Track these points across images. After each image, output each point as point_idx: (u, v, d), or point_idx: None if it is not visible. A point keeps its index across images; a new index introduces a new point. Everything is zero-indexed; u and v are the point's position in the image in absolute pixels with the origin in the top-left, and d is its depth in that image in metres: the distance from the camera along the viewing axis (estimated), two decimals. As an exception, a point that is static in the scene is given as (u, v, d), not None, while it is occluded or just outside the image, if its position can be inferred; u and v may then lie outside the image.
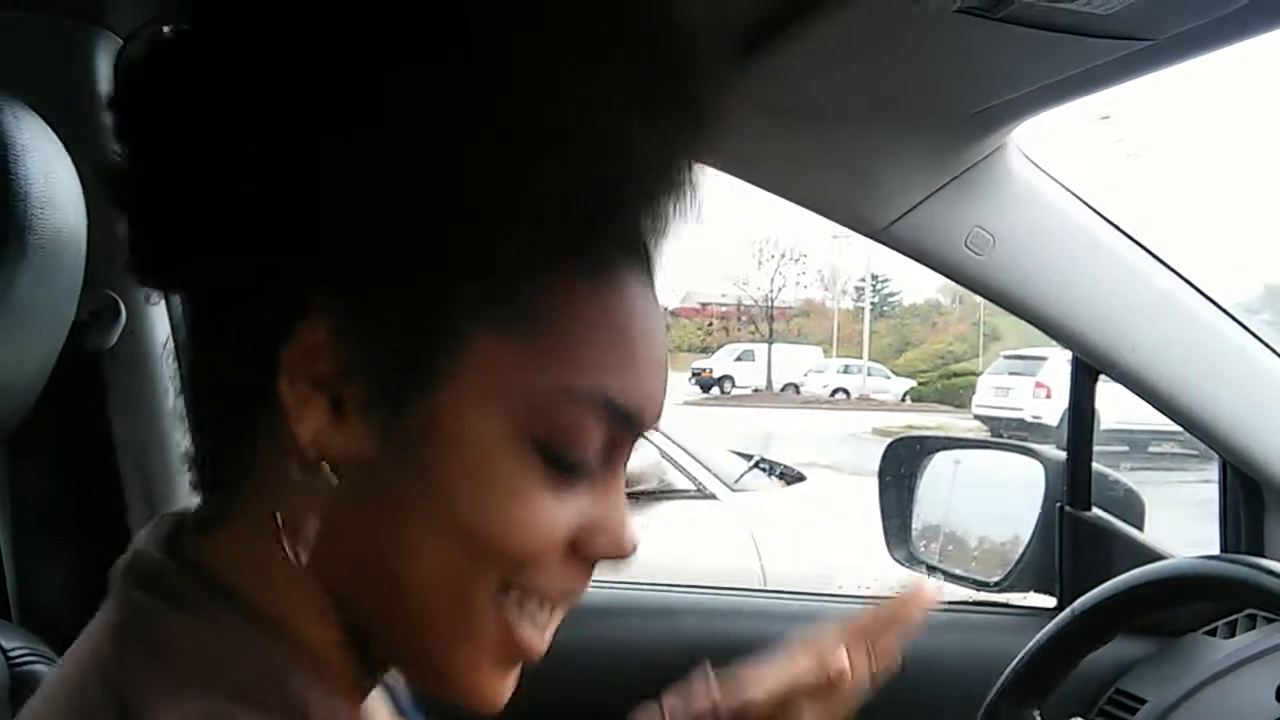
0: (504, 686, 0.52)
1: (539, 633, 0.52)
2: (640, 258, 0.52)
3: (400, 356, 0.47)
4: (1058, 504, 1.45)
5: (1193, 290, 1.24)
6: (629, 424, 0.50)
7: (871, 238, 1.21)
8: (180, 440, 1.26)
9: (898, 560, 1.69)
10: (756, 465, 4.67)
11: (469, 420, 0.47)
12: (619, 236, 0.49)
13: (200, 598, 0.49)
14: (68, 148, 0.75)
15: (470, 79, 0.44)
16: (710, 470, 4.20)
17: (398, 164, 0.45)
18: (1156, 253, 1.23)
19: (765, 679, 0.83)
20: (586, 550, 0.51)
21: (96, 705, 0.45)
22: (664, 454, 4.01)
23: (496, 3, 0.46)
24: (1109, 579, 1.04)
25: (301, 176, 0.45)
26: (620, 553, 0.52)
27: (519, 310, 0.47)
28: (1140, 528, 1.45)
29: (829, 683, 0.81)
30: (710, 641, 1.48)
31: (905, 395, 27.14)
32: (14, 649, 0.99)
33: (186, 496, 1.33)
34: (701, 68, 0.48)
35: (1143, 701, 1.23)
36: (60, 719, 0.47)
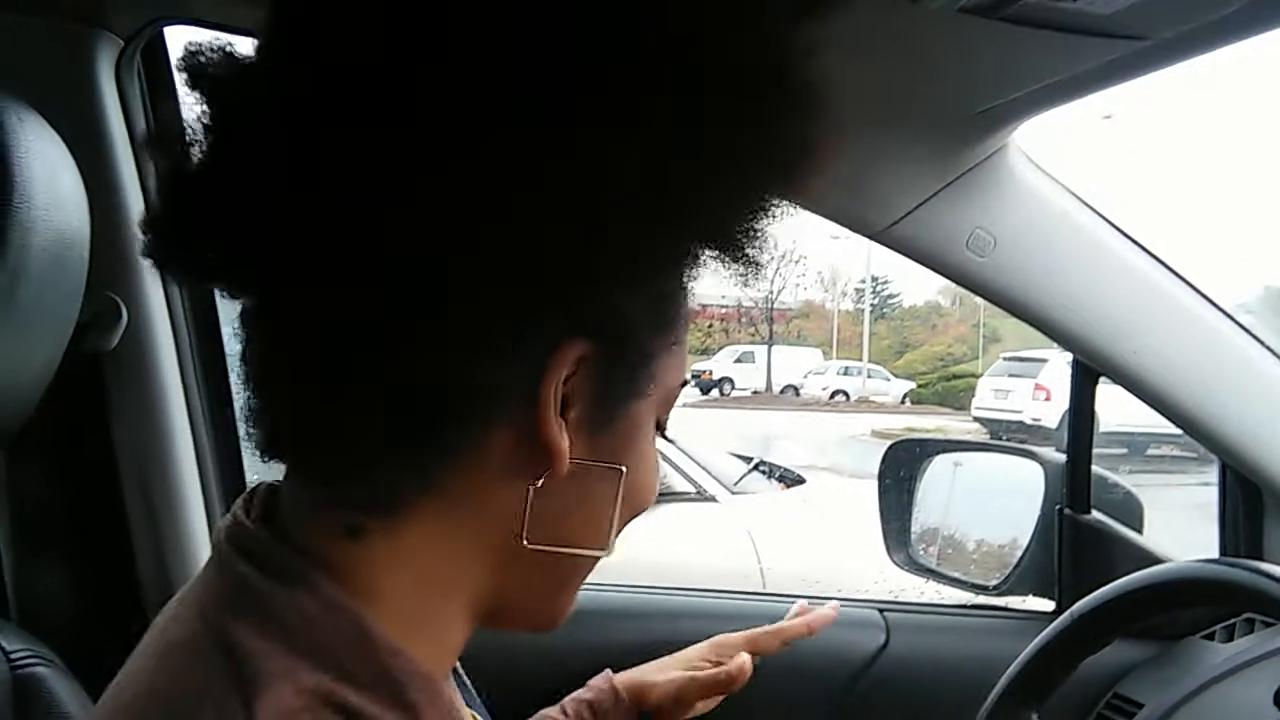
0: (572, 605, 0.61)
1: None
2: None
3: (625, 381, 0.53)
4: (1057, 507, 1.45)
5: (1193, 292, 1.24)
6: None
7: (872, 239, 1.21)
8: (183, 442, 1.27)
9: (897, 563, 1.69)
10: (756, 468, 4.67)
11: (646, 422, 0.57)
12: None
13: (313, 584, 0.50)
14: (70, 150, 0.75)
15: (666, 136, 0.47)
16: (709, 473, 4.19)
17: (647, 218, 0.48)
18: (1157, 254, 1.23)
19: (668, 667, 1.01)
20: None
21: (216, 672, 0.46)
22: (663, 456, 4.01)
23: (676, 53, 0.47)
24: (1108, 582, 1.04)
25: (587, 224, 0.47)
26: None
27: (678, 325, 0.56)
28: (1139, 531, 1.45)
29: (726, 679, 1.01)
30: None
31: (905, 397, 27.12)
32: (15, 650, 0.99)
33: (186, 497, 1.33)
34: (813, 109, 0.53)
35: (1141, 705, 1.23)
36: (179, 681, 0.48)
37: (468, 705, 0.66)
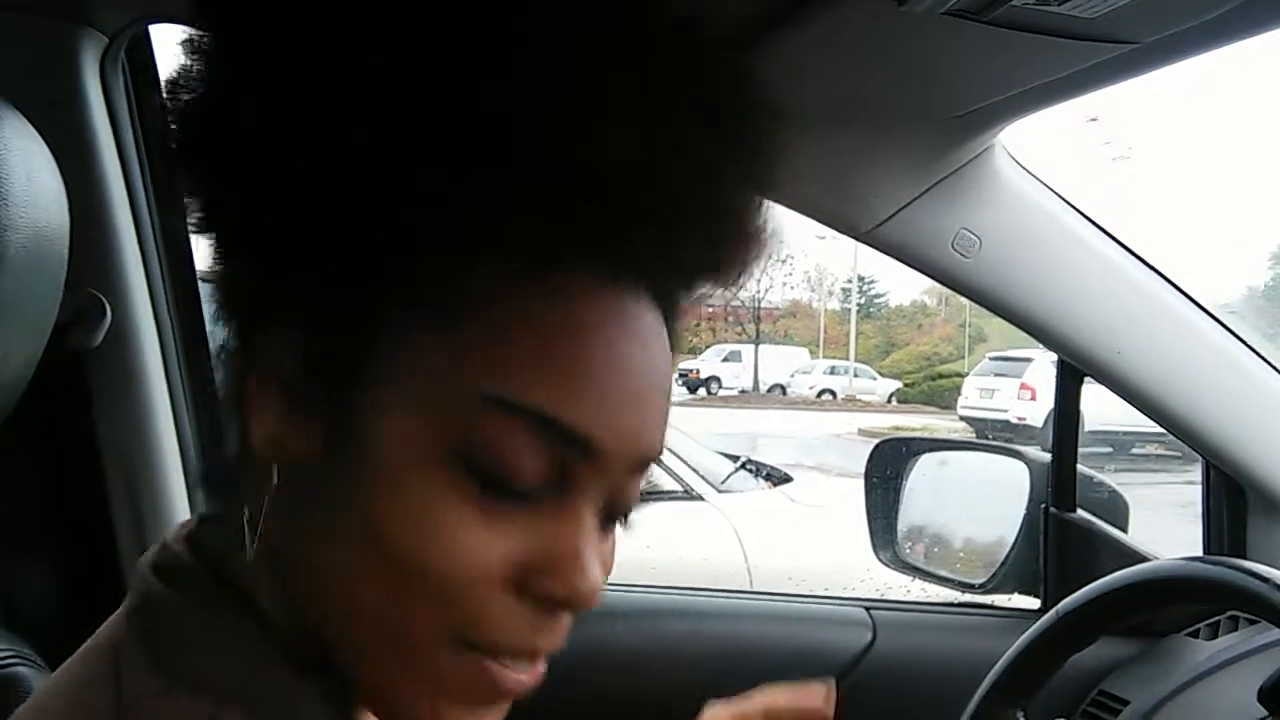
0: None
1: (517, 676, 0.48)
2: (619, 269, 0.47)
3: (335, 356, 0.46)
4: (1042, 505, 1.46)
5: (1177, 293, 1.25)
6: (581, 450, 0.46)
7: (858, 239, 1.22)
8: (168, 440, 1.26)
9: (883, 562, 1.69)
10: (743, 466, 4.67)
11: (389, 422, 0.45)
12: (571, 237, 0.45)
13: (208, 593, 0.49)
14: (51, 146, 0.74)
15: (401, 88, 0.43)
16: (697, 471, 4.19)
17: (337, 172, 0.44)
18: (1141, 255, 1.24)
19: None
20: (533, 590, 0.46)
21: (97, 684, 0.46)
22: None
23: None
24: (1093, 580, 1.05)
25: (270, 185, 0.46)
26: (571, 596, 0.46)
27: (444, 305, 0.45)
28: (1124, 529, 1.46)
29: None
30: (697, 643, 1.48)
31: (891, 396, 27.19)
32: (-3, 650, 0.99)
33: (170, 495, 1.33)
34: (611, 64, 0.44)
35: (1126, 703, 1.24)
36: (63, 691, 0.48)
37: None
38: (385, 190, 0.43)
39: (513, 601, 0.46)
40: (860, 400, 26.49)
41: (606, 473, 0.47)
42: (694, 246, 0.47)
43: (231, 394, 0.49)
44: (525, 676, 0.48)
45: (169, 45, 1.30)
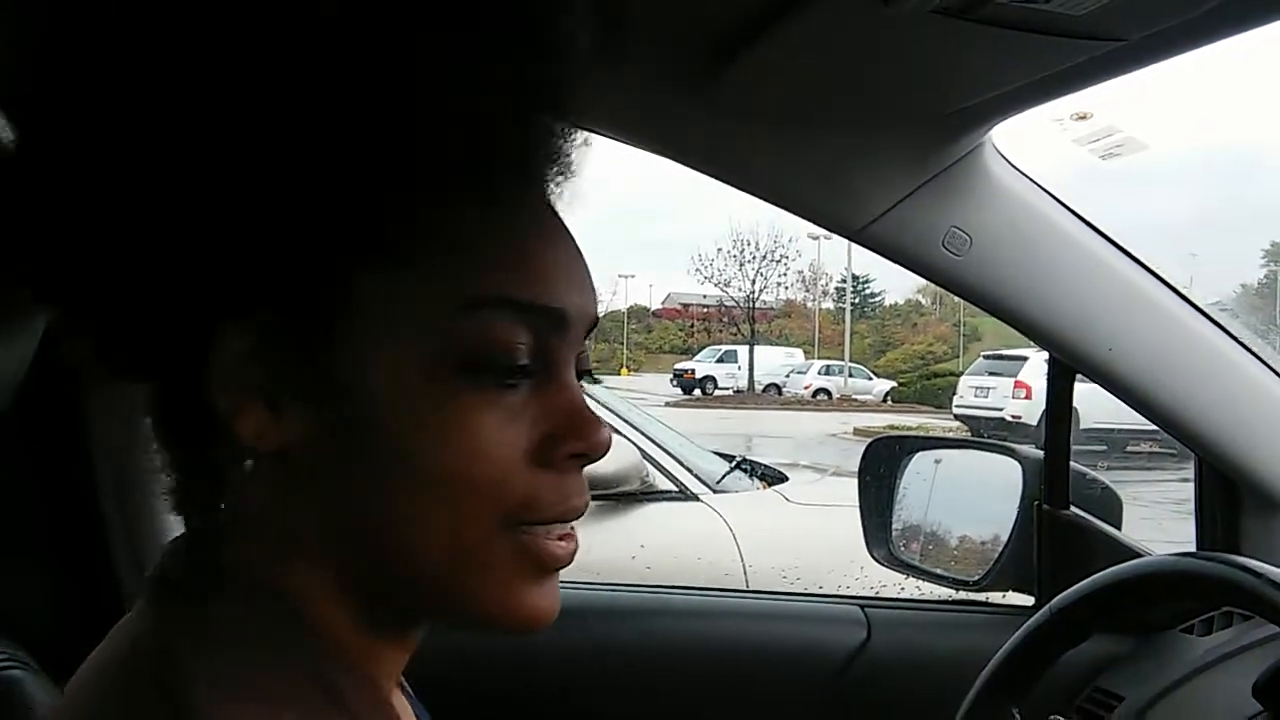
0: (544, 598, 0.52)
1: (561, 544, 0.52)
2: (520, 174, 0.51)
3: (309, 336, 0.48)
4: (1036, 503, 1.46)
5: (1169, 290, 1.25)
6: (551, 321, 0.51)
7: (849, 238, 1.22)
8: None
9: (878, 560, 1.69)
10: (738, 466, 4.67)
11: (393, 370, 0.48)
12: (485, 159, 0.48)
13: (241, 599, 0.50)
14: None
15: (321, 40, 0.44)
16: (692, 471, 4.19)
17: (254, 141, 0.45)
18: (1132, 252, 1.24)
19: None
20: (558, 456, 0.51)
21: (148, 703, 0.46)
22: (645, 455, 4.01)
23: None
24: (1087, 577, 1.05)
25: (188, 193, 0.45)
26: (591, 448, 0.52)
27: (394, 245, 0.47)
28: (1118, 526, 1.46)
29: None
30: (693, 642, 1.48)
31: (886, 396, 27.24)
32: (-9, 655, 0.98)
33: (163, 501, 1.32)
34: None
35: (1121, 698, 1.24)
36: (111, 713, 0.47)
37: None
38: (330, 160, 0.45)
39: (543, 473, 0.51)
40: (855, 399, 26.54)
41: (572, 341, 0.53)
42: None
43: (193, 416, 0.50)
44: (569, 542, 0.53)
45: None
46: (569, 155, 0.52)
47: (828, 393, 27.37)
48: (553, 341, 0.51)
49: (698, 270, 32.05)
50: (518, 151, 0.49)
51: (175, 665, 0.47)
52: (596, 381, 0.63)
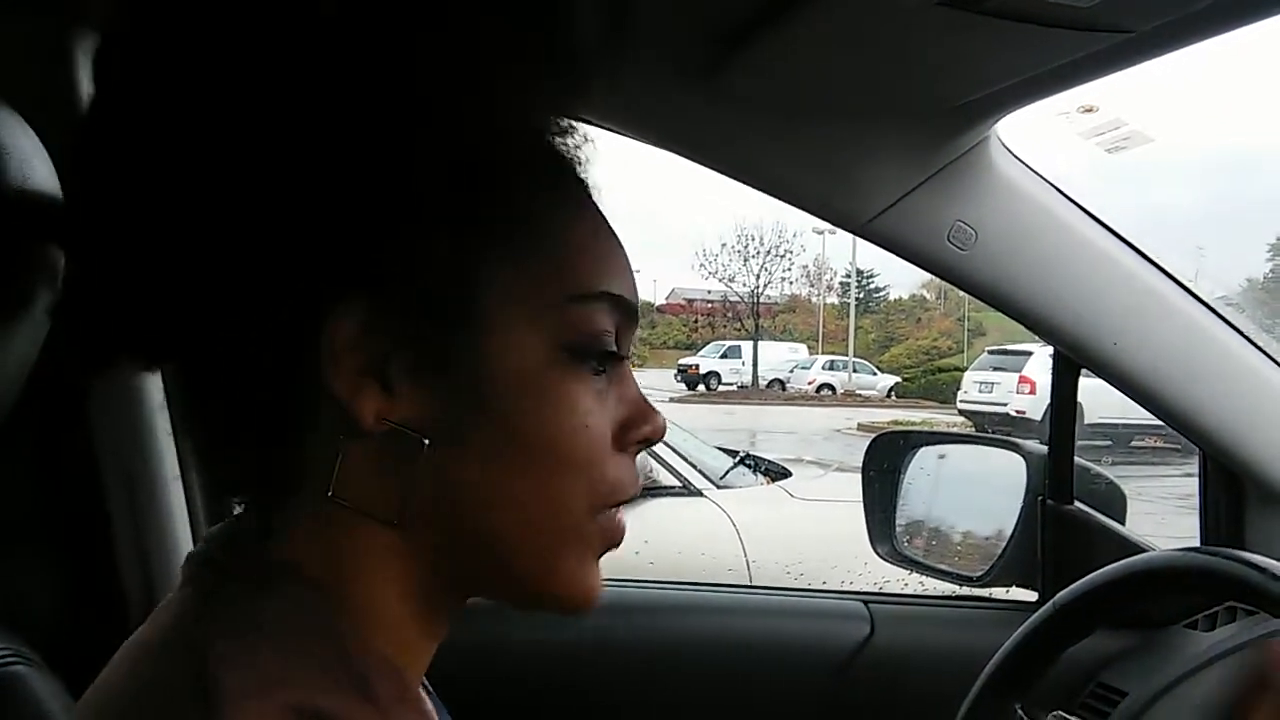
0: (598, 578, 0.57)
1: (620, 517, 0.57)
2: (579, 178, 0.57)
3: (432, 319, 0.50)
4: (1040, 498, 1.46)
5: (1173, 284, 1.24)
6: (628, 313, 0.56)
7: (854, 233, 1.21)
8: (165, 438, 1.26)
9: (881, 555, 1.69)
10: (742, 461, 4.68)
11: (512, 352, 0.52)
12: (569, 168, 0.56)
13: (281, 587, 0.51)
14: (50, 146, 0.74)
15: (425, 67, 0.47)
16: (696, 467, 4.20)
17: (381, 150, 0.47)
18: (1137, 246, 1.24)
19: None
20: (630, 441, 0.56)
21: (184, 684, 0.46)
22: (650, 451, 4.02)
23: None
24: (1091, 572, 1.05)
25: (296, 184, 0.47)
26: (656, 432, 0.57)
27: (522, 241, 0.52)
28: (1122, 521, 1.46)
29: None
30: (696, 638, 1.48)
31: (890, 391, 27.23)
32: (-6, 649, 0.98)
33: (167, 495, 1.33)
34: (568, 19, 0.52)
35: (1124, 694, 1.24)
36: (149, 694, 0.48)
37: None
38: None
39: (621, 458, 0.56)
40: (859, 395, 26.53)
41: (630, 331, 0.58)
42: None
43: (295, 402, 0.50)
44: (624, 526, 0.57)
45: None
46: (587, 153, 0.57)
47: (832, 388, 27.36)
48: (625, 333, 0.57)
49: (702, 265, 32.03)
50: (580, 153, 0.55)
51: (211, 651, 0.47)
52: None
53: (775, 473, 4.72)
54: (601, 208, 0.58)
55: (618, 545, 0.57)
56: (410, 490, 0.51)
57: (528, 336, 0.52)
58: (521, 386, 0.52)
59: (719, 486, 4.20)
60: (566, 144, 0.55)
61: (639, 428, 0.57)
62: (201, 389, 0.53)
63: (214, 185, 0.47)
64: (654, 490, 4.02)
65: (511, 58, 0.49)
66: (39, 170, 0.72)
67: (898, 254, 1.21)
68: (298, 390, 0.50)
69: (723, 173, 1.20)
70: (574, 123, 0.55)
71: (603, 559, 0.58)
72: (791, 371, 28.98)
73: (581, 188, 0.57)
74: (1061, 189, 1.22)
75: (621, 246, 0.58)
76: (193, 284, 0.48)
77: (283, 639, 0.48)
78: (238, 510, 0.57)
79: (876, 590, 2.01)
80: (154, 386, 1.26)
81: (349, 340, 0.49)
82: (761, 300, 32.15)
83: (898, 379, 28.30)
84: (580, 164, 0.57)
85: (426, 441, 0.51)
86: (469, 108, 0.48)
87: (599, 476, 0.54)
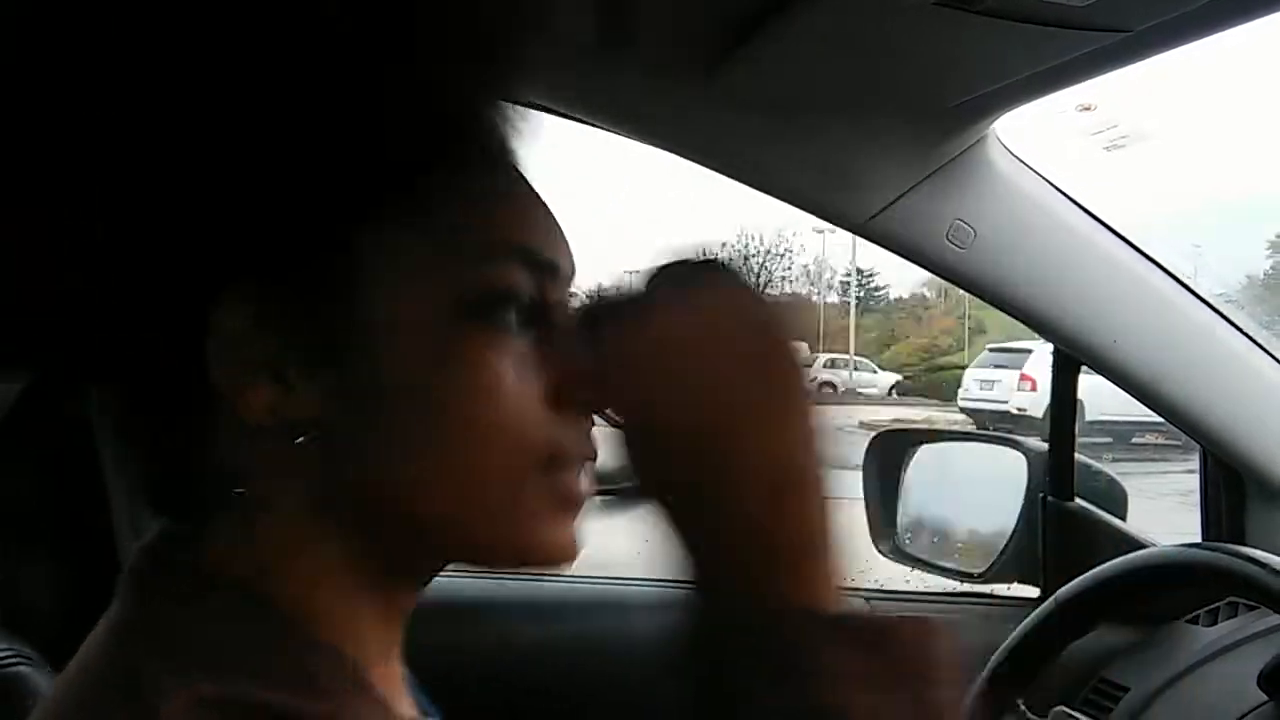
0: (571, 534, 0.54)
1: (580, 482, 0.54)
2: (501, 144, 0.53)
3: (318, 305, 0.48)
4: (1041, 495, 1.46)
5: (1172, 281, 1.25)
6: (549, 271, 0.53)
7: (853, 232, 1.22)
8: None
9: (882, 553, 1.69)
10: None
11: (407, 324, 0.49)
12: (472, 133, 0.51)
13: (206, 594, 0.49)
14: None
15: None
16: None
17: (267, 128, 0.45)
18: (1136, 244, 1.24)
19: None
20: (567, 400, 0.52)
21: (112, 693, 0.46)
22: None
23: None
24: (1092, 568, 1.05)
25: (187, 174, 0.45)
26: (595, 394, 0.53)
27: (411, 212, 0.49)
28: (1122, 517, 1.46)
29: None
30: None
31: (892, 389, 27.19)
32: (-3, 650, 0.99)
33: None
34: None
35: (1125, 690, 1.24)
36: (78, 709, 0.48)
37: (424, 712, 0.63)
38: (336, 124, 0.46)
39: (560, 418, 0.52)
40: (861, 393, 26.49)
41: (562, 294, 0.54)
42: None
43: (190, 399, 0.49)
44: (587, 483, 0.54)
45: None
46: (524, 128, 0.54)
47: (833, 386, 27.32)
48: (549, 292, 0.53)
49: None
50: (492, 119, 0.51)
51: (141, 658, 0.47)
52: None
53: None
54: (516, 167, 0.55)
55: (577, 505, 0.54)
56: (322, 482, 0.49)
57: (424, 304, 0.49)
58: (421, 357, 0.49)
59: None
60: (474, 110, 0.51)
61: (575, 389, 0.52)
62: (111, 396, 0.52)
63: (93, 166, 0.45)
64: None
65: (423, 34, 0.47)
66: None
67: (897, 253, 1.22)
68: (192, 389, 0.48)
69: (722, 173, 1.20)
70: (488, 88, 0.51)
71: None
72: (792, 370, 28.87)
73: (484, 146, 0.52)
74: (1060, 187, 1.22)
75: (540, 202, 0.55)
76: (80, 272, 0.46)
77: (222, 642, 0.47)
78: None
79: (878, 587, 2.01)
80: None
81: (237, 333, 0.47)
82: (762, 299, 32.01)
83: (899, 377, 28.26)
84: (487, 122, 0.52)
85: (316, 434, 0.48)
86: (365, 81, 0.46)
87: (532, 438, 0.50)
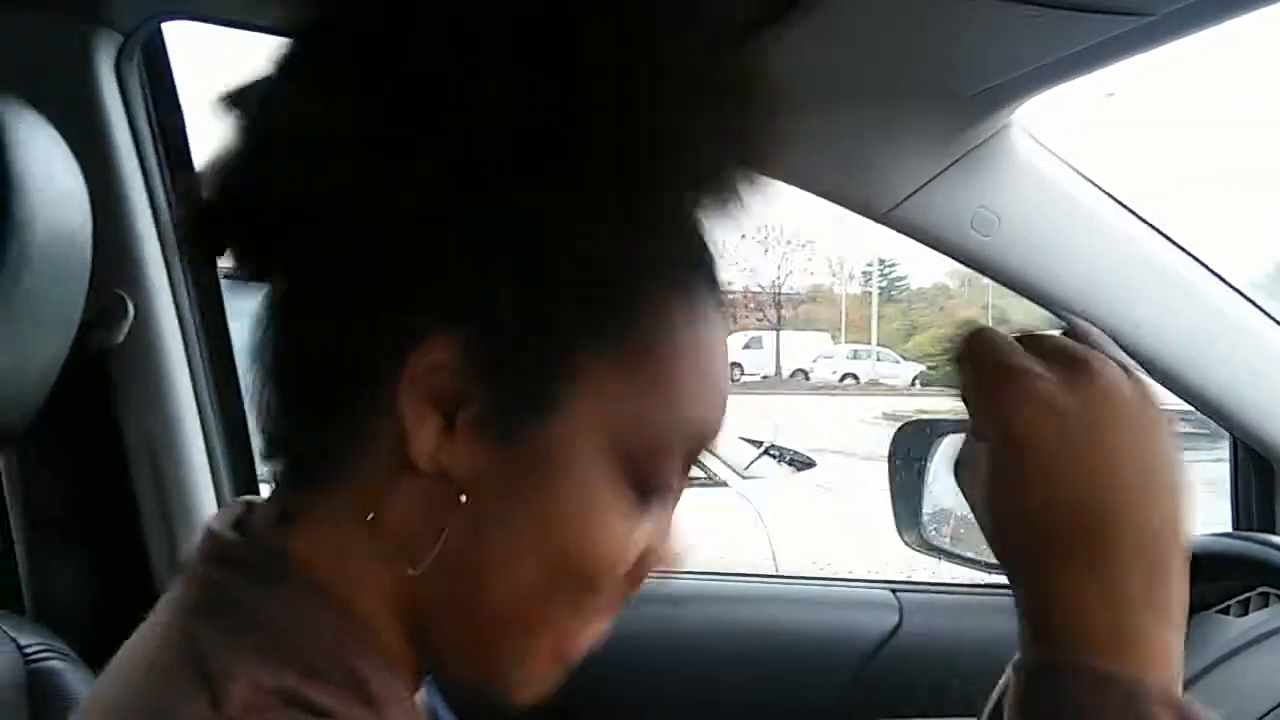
0: (548, 684, 0.54)
1: (587, 639, 0.54)
2: (715, 286, 0.54)
3: (517, 384, 0.49)
4: (1067, 484, 1.45)
5: (1200, 267, 1.23)
6: (706, 440, 0.53)
7: (876, 221, 1.21)
8: (193, 436, 1.28)
9: (908, 544, 1.68)
10: (766, 452, 4.67)
11: (577, 447, 0.49)
12: (700, 265, 0.53)
13: (279, 578, 0.50)
14: (73, 147, 0.75)
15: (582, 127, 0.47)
16: (720, 457, 4.20)
17: (533, 211, 0.47)
18: (1162, 229, 1.23)
19: None
20: (644, 566, 0.53)
21: (179, 674, 0.46)
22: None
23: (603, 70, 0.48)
24: (1119, 558, 1.04)
25: (454, 216, 0.48)
26: (664, 569, 0.54)
27: (626, 340, 0.50)
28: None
29: None
30: (722, 628, 1.48)
31: (915, 380, 27.07)
32: (29, 645, 1.00)
33: (197, 490, 1.34)
34: (754, 93, 0.52)
35: (1155, 680, 1.23)
36: (145, 687, 0.48)
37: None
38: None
39: (619, 584, 0.53)
40: (884, 384, 26.39)
41: (700, 453, 0.54)
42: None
43: (368, 399, 0.50)
44: (587, 646, 0.54)
45: (181, 42, 1.31)
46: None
47: (855, 377, 27.23)
48: (695, 457, 0.54)
49: (721, 258, 31.80)
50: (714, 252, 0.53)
51: (208, 638, 0.47)
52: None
53: (800, 462, 4.71)
54: (722, 317, 0.55)
55: (568, 663, 0.54)
56: (436, 537, 0.49)
57: (598, 440, 0.50)
58: (567, 486, 0.50)
59: (744, 477, 4.20)
60: (714, 227, 0.52)
61: (653, 558, 0.54)
62: (300, 335, 0.52)
63: (381, 191, 0.47)
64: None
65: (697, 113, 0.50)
66: (63, 169, 0.73)
67: (920, 241, 1.21)
68: (374, 387, 0.49)
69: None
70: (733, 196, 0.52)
71: None
72: (815, 361, 28.87)
73: (709, 293, 0.53)
74: (1084, 173, 1.21)
75: (726, 368, 0.54)
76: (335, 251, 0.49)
77: (275, 632, 0.48)
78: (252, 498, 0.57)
79: (905, 579, 2.01)
80: (183, 386, 1.28)
81: (431, 366, 0.48)
82: (783, 291, 32.04)
83: (922, 367, 28.13)
84: (716, 259, 0.54)
85: (464, 498, 0.49)
86: (634, 183, 0.48)
87: (607, 593, 0.52)
